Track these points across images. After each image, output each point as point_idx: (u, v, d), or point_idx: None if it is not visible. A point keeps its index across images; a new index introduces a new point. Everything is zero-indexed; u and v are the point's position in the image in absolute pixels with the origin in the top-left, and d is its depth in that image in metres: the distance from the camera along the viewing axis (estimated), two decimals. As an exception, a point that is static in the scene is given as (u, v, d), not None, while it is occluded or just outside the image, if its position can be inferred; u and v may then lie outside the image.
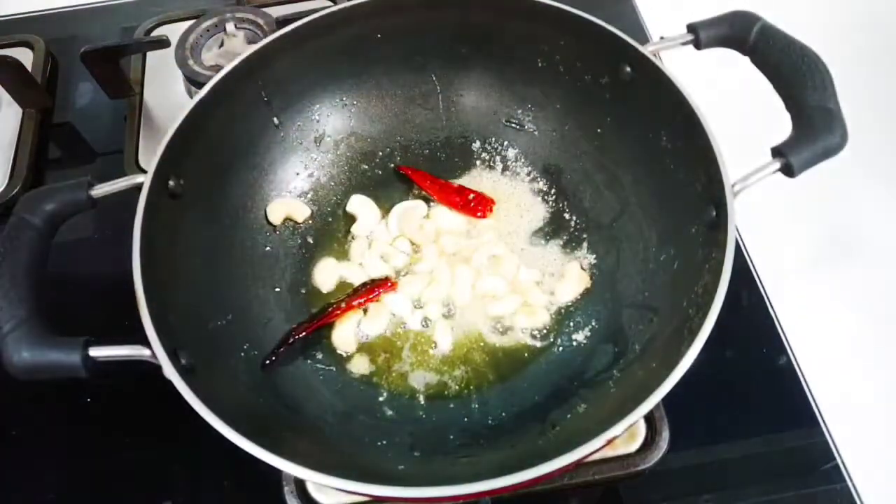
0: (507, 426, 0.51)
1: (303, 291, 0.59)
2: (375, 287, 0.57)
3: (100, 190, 0.47)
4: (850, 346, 0.60)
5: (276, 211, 0.61)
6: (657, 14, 0.83)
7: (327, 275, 0.59)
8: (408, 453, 0.49)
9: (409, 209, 0.62)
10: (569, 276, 0.58)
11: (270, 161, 0.60)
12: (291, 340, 0.54)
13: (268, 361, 0.53)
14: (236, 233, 0.57)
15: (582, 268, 0.58)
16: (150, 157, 0.66)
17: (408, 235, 0.61)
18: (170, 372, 0.41)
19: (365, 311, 0.57)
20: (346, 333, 0.56)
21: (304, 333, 0.54)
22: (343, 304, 0.56)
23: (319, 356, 0.56)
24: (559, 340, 0.55)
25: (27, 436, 0.59)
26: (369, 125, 0.64)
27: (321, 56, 0.58)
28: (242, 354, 0.52)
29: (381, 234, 0.61)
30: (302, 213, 0.61)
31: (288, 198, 0.62)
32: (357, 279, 0.58)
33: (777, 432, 0.55)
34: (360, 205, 0.62)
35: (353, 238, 0.61)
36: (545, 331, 0.56)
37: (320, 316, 0.56)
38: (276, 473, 0.52)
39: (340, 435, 0.50)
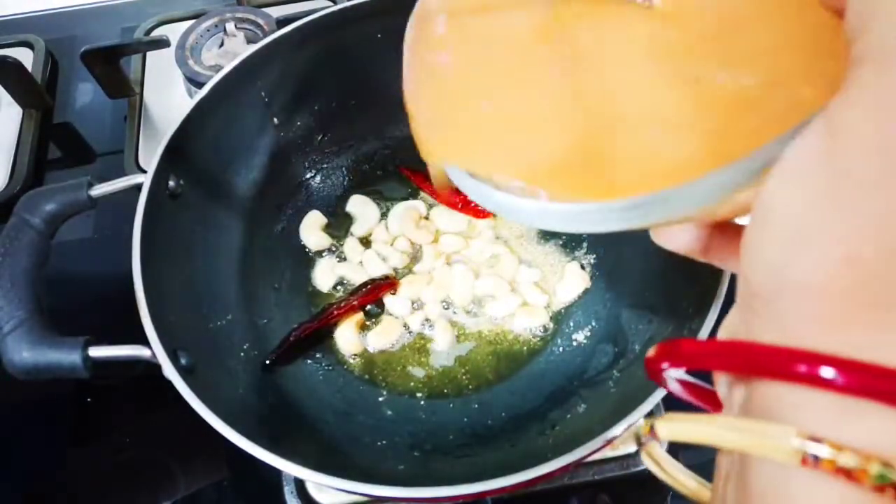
0: (507, 426, 0.51)
1: (303, 291, 0.59)
2: (376, 287, 0.57)
3: (100, 190, 0.47)
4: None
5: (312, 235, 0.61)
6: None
7: (327, 274, 0.59)
8: (408, 453, 0.49)
9: (409, 209, 0.62)
10: (569, 275, 0.58)
11: (270, 161, 0.60)
12: (292, 340, 0.54)
13: (268, 361, 0.53)
14: (236, 233, 0.57)
15: (582, 267, 0.58)
16: (150, 157, 0.67)
17: (407, 235, 0.61)
18: (170, 372, 0.41)
19: (376, 322, 0.57)
20: (349, 334, 0.56)
21: (304, 333, 0.54)
22: (343, 304, 0.56)
23: (319, 356, 0.56)
24: (559, 340, 0.55)
25: (26, 436, 0.59)
26: (369, 125, 0.64)
27: (321, 56, 0.58)
28: (242, 354, 0.52)
29: (381, 234, 0.61)
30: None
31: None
32: (357, 279, 0.58)
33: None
34: (359, 205, 0.62)
35: (349, 235, 0.62)
36: (545, 331, 0.56)
37: (321, 316, 0.56)
38: (276, 473, 0.53)
39: (340, 435, 0.50)
